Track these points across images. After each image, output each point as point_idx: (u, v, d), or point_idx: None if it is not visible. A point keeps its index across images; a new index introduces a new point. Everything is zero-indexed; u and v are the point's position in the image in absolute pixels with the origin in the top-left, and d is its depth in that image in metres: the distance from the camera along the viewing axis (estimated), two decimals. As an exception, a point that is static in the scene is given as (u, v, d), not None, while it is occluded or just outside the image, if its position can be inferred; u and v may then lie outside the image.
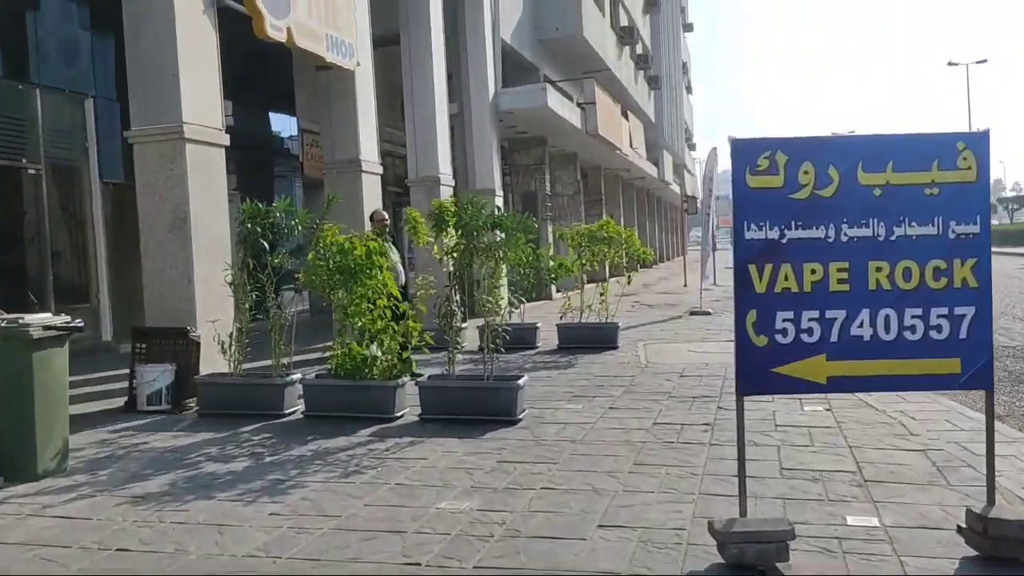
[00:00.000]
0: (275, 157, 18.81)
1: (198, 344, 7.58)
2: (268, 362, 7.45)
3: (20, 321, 5.20)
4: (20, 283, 11.35)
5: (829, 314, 3.65)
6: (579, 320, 11.44)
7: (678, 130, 48.20)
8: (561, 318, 11.51)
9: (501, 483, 4.97)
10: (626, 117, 27.26)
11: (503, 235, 7.37)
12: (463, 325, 7.64)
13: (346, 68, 10.73)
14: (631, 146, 28.13)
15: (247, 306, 7.33)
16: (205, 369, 7.56)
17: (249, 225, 7.30)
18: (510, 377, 6.97)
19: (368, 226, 10.92)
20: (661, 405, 7.23)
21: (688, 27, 58.57)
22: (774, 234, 3.64)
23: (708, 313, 15.79)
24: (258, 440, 6.28)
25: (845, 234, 3.64)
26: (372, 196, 11.38)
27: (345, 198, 10.95)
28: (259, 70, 16.17)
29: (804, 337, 3.64)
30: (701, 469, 5.18)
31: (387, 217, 9.27)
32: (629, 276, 11.65)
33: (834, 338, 3.65)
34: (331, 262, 6.95)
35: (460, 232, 7.15)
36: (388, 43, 14.05)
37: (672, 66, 46.00)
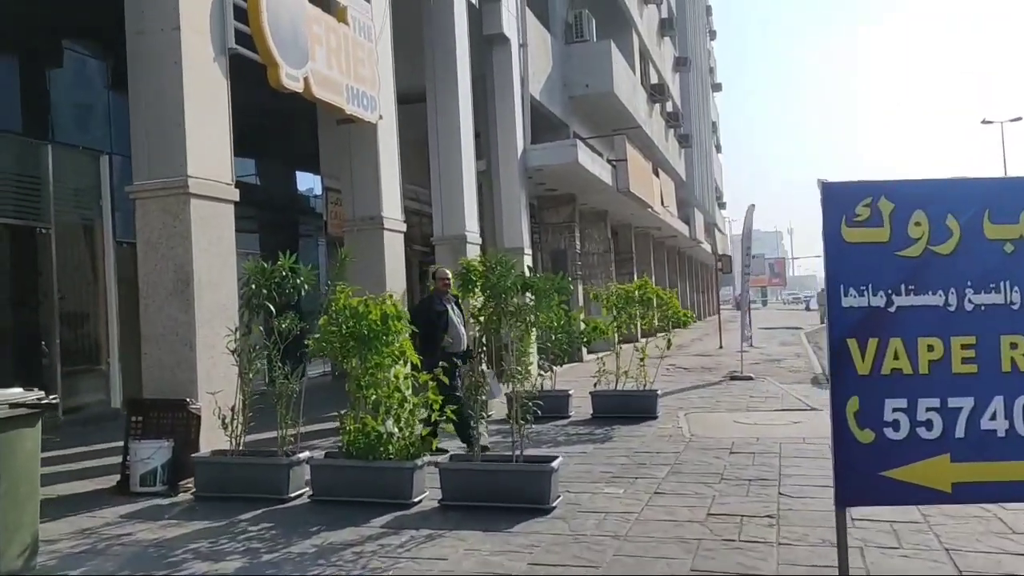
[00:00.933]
0: (300, 216, 18.41)
1: (198, 418, 6.89)
2: (277, 434, 6.73)
3: (-19, 399, 4.53)
4: (28, 346, 10.80)
5: (952, 403, 2.88)
6: (615, 387, 10.63)
7: (709, 188, 47.66)
8: (595, 385, 10.71)
9: (534, 595, 4.17)
10: (657, 175, 26.72)
11: (533, 297, 6.67)
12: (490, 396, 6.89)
13: (367, 121, 10.21)
14: (662, 204, 27.52)
15: (251, 376, 6.65)
16: (206, 445, 6.86)
17: (253, 286, 6.65)
18: (542, 458, 6.18)
19: (393, 284, 10.28)
20: (713, 490, 6.38)
21: (716, 87, 58.47)
22: (879, 300, 2.92)
23: (750, 378, 14.89)
24: (256, 532, 5.52)
25: (970, 301, 2.89)
26: (395, 254, 10.77)
27: (366, 256, 10.39)
28: (283, 128, 15.84)
29: (921, 432, 2.89)
30: (773, 578, 4.34)
31: (449, 276, 8.33)
32: (669, 340, 10.85)
33: (960, 433, 2.88)
34: (343, 327, 6.27)
35: (487, 294, 6.45)
36: (414, 100, 13.61)
37: (702, 124, 45.67)
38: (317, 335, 6.40)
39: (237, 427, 6.55)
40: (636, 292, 10.67)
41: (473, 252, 13.02)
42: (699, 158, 41.83)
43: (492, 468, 5.99)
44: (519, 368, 6.50)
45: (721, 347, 23.95)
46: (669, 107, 32.35)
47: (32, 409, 4.70)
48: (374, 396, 6.17)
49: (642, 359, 10.52)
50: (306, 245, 18.04)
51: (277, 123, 15.77)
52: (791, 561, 4.59)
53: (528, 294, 6.51)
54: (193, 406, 6.91)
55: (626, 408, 10.34)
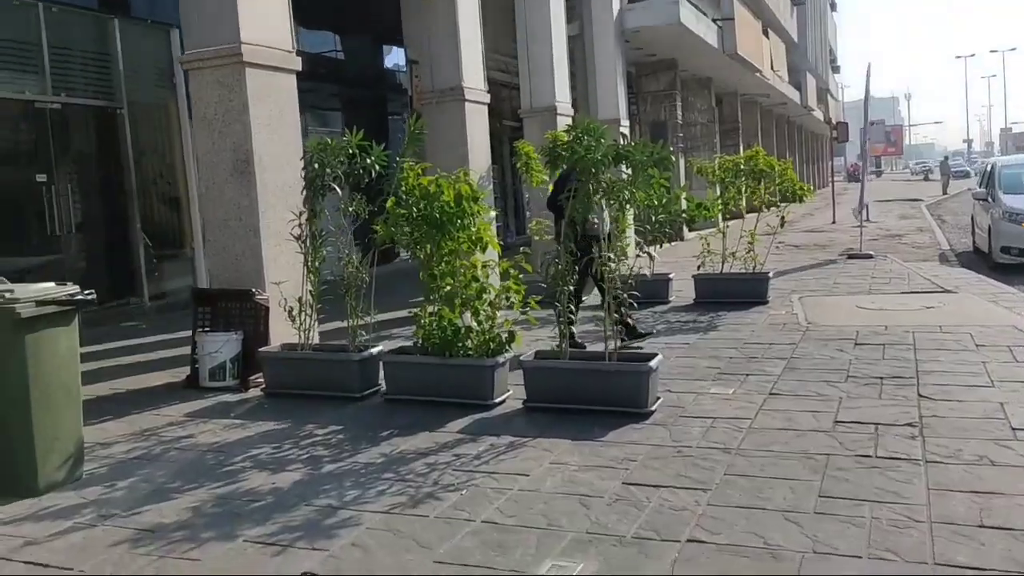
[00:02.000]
0: (388, 93, 17.57)
1: (266, 308, 6.40)
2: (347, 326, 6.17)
3: (5, 295, 4.05)
4: (108, 232, 10.60)
5: None
6: (720, 270, 9.71)
7: (822, 50, 44.28)
8: (698, 267, 9.80)
9: (628, 527, 3.49)
10: (766, 35, 24.62)
11: (630, 171, 5.77)
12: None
13: (444, -22, 9.21)
14: (772, 68, 25.49)
15: (317, 264, 6.06)
16: (276, 338, 6.39)
17: (316, 166, 5.98)
18: (639, 356, 5.43)
19: (477, 162, 9.48)
20: (839, 390, 5.53)
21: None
22: None
23: (869, 256, 13.66)
24: (322, 436, 5.02)
25: None
26: (478, 129, 9.92)
27: (447, 132, 9.59)
28: (367, 4, 14.88)
29: None
30: (924, 511, 3.53)
31: None
32: (783, 217, 9.77)
33: None
34: (413, 210, 5.56)
35: (575, 168, 5.59)
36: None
37: (816, -21, 42.02)
38: (385, 218, 5.71)
39: (305, 320, 6.03)
40: (746, 164, 9.56)
41: (564, 125, 12.02)
42: (812, 16, 38.61)
43: (581, 367, 5.29)
44: (611, 254, 5.66)
45: (834, 222, 22.41)
46: (781, -41, 29.59)
47: (64, 306, 4.19)
48: (448, 287, 5.49)
49: (751, 241, 9.52)
50: (394, 124, 17.31)
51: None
52: (945, 487, 3.77)
53: (623, 167, 5.61)
54: (260, 296, 6.42)
55: (732, 292, 9.45)
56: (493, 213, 7.97)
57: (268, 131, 6.58)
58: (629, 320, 6.72)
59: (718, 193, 9.69)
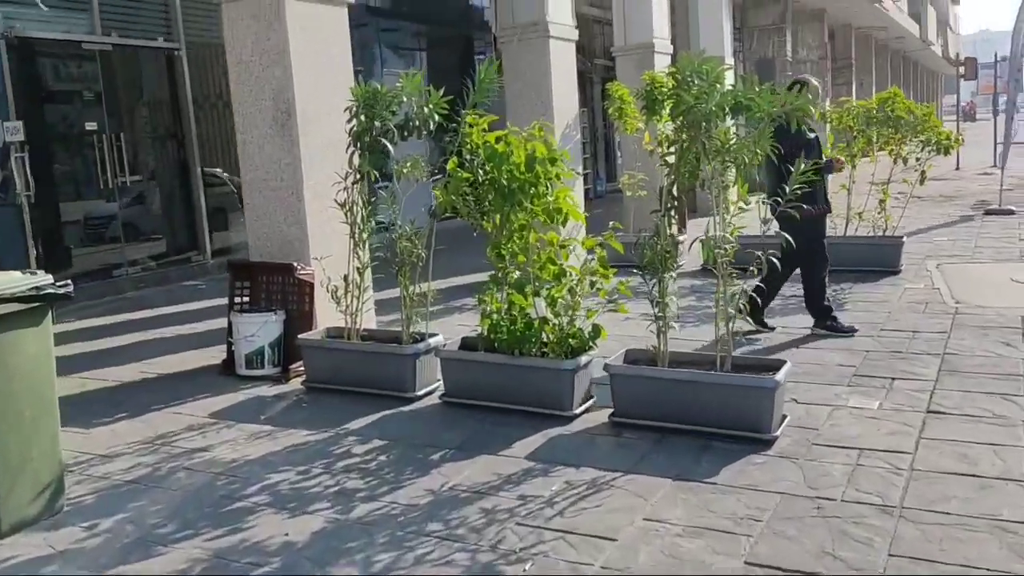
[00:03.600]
0: (474, 31, 16.37)
1: (311, 285, 5.48)
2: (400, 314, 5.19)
3: (-47, 292, 3.19)
4: (167, 183, 9.90)
5: None
6: (844, 233, 8.35)
7: (944, -22, 40.67)
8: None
9: (760, 653, 2.42)
10: (887, -39, 22.27)
11: (744, 125, 4.56)
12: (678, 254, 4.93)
13: None
14: (892, -2, 23.13)
15: (365, 236, 5.09)
16: (322, 321, 5.48)
17: (363, 118, 4.95)
18: (761, 364, 4.28)
19: (562, 108, 8.31)
20: (1021, 409, 4.28)
21: None
22: None
23: (1011, 212, 11.92)
24: (360, 457, 4.07)
25: None
26: (564, 71, 8.70)
27: (528, 74, 8.44)
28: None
29: None
30: None
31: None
32: (923, 173, 8.28)
33: None
34: (478, 174, 4.49)
35: (680, 121, 4.40)
36: None
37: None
38: (446, 183, 4.65)
39: (352, 302, 5.08)
40: (880, 109, 8.10)
41: (663, 64, 10.67)
42: (936, -59, 35.28)
43: (687, 377, 4.17)
44: (723, 231, 4.46)
45: (958, 168, 20.28)
46: None
47: (28, 303, 3.32)
48: (518, 271, 4.43)
49: (882, 200, 8.12)
50: (481, 65, 16.18)
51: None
52: None
53: (739, 119, 4.38)
54: (304, 271, 5.50)
55: (859, 259, 8.07)
56: (580, 174, 6.89)
57: (314, 75, 5.58)
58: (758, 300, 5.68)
59: (844, 144, 8.26)
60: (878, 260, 8.09)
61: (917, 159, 8.21)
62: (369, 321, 5.62)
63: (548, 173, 4.36)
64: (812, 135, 5.98)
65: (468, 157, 4.56)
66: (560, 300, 4.52)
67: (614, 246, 4.46)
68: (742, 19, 17.60)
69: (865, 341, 5.71)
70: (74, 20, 8.72)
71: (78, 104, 8.87)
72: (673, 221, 4.42)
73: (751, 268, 4.26)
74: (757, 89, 4.34)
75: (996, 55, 16.49)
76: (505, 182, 4.33)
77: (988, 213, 12.05)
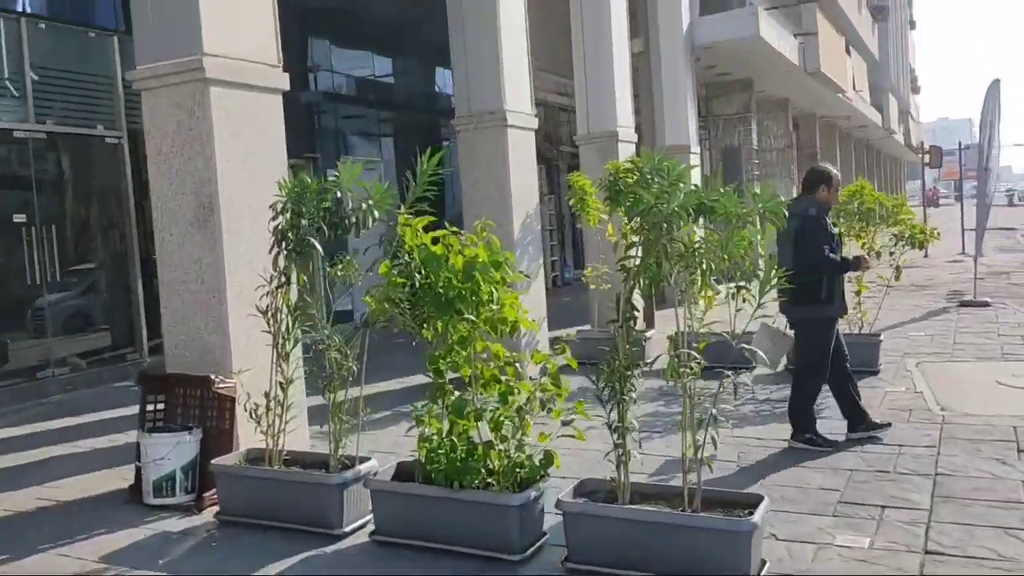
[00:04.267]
0: (441, 118, 16.16)
1: (232, 400, 4.88)
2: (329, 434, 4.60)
3: None
4: (103, 278, 9.31)
5: None
6: (818, 330, 7.90)
7: (903, 70, 41.81)
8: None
9: None
10: (848, 53, 22.65)
11: (710, 226, 4.11)
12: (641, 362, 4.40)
13: (482, -19, 7.70)
14: (854, 88, 23.45)
15: (288, 348, 4.53)
16: (246, 440, 4.87)
17: (290, 215, 4.45)
18: (734, 500, 3.72)
19: (521, 198, 7.91)
20: (1032, 549, 3.75)
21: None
22: None
23: (986, 304, 11.60)
24: (265, 620, 3.44)
25: None
26: (523, 160, 8.33)
27: (485, 163, 8.06)
28: (419, 23, 13.54)
29: None
30: None
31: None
32: (898, 268, 7.92)
33: None
34: (413, 279, 3.98)
35: (640, 220, 3.93)
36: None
37: (896, -5, 39.68)
38: (377, 288, 4.13)
39: (274, 421, 4.49)
40: (850, 201, 7.77)
41: (627, 152, 10.40)
42: (894, 34, 36.32)
43: (649, 518, 3.59)
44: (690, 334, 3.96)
45: (927, 255, 20.17)
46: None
47: None
48: (456, 395, 3.89)
49: (858, 292, 7.73)
50: (449, 153, 15.92)
51: (412, 18, 13.54)
52: None
53: (703, 221, 3.92)
54: (224, 384, 4.90)
55: (835, 359, 7.62)
56: (529, 278, 6.47)
57: (242, 168, 5.10)
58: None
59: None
60: (855, 360, 7.49)
61: (891, 253, 7.86)
62: (299, 440, 5.02)
63: (491, 279, 3.86)
64: (836, 229, 5.77)
65: (405, 259, 4.06)
66: (508, 422, 3.97)
67: (568, 361, 3.94)
68: (707, 108, 17.61)
69: (848, 458, 5.19)
70: (4, 107, 8.25)
71: (5, 194, 8.33)
72: (637, 319, 3.91)
73: (728, 378, 3.76)
74: (722, 190, 3.92)
75: (960, 143, 16.57)
76: (441, 290, 3.82)
77: (963, 304, 11.73)
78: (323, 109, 13.13)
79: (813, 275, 5.36)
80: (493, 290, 3.87)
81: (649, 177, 3.96)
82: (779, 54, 14.76)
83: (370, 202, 4.48)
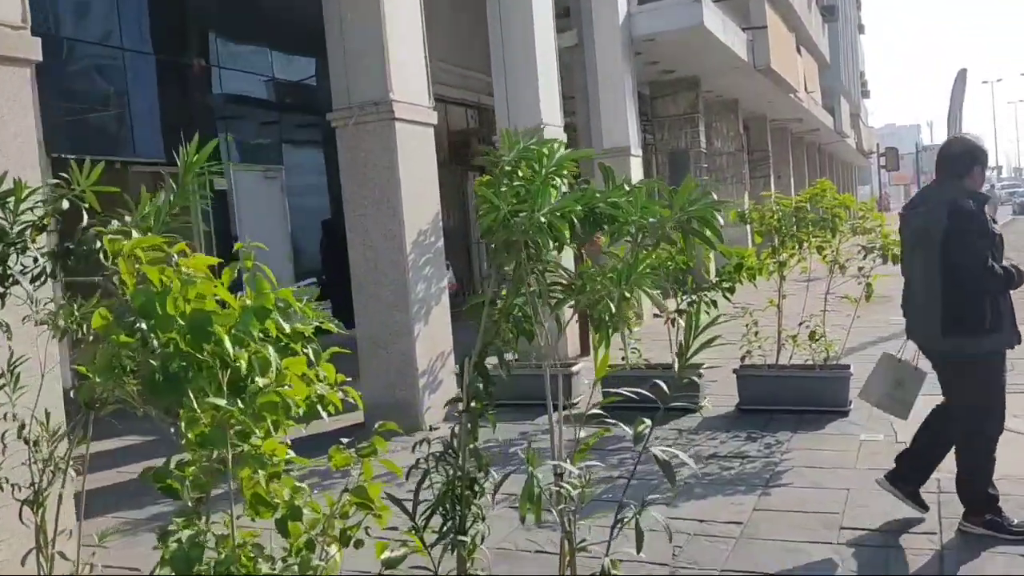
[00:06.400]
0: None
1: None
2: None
3: None
4: None
5: None
6: (775, 361, 6.58)
7: (854, 73, 41.25)
8: (743, 357, 6.67)
9: None
10: (799, 53, 21.62)
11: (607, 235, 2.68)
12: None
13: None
14: (806, 89, 22.43)
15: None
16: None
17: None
18: None
19: (414, 208, 6.44)
20: None
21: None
22: None
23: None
24: None
25: None
26: (419, 160, 6.86)
27: (368, 165, 6.60)
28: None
29: None
30: None
31: None
32: (869, 286, 6.61)
33: None
34: (130, 327, 2.47)
35: (493, 221, 2.49)
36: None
37: (845, -3, 39.07)
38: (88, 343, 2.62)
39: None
40: (809, 204, 6.44)
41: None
42: (844, 36, 35.64)
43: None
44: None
45: (886, 262, 19.10)
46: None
47: None
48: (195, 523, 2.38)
49: (820, 311, 6.40)
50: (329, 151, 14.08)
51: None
52: None
53: (599, 234, 2.51)
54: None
55: (798, 397, 6.30)
56: (444, 301, 5.13)
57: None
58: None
59: (770, 250, 6.56)
60: (820, 397, 6.29)
61: (860, 268, 6.55)
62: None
63: (250, 336, 2.36)
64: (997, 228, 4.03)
65: (121, 299, 2.55)
66: (294, 552, 2.48)
67: (368, 486, 2.45)
68: (652, 109, 16.34)
69: (821, 551, 3.78)
70: None
71: None
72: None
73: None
74: (627, 188, 2.50)
75: (918, 145, 15.55)
76: (181, 342, 2.31)
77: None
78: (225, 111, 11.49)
79: (971, 295, 3.86)
80: (254, 356, 2.37)
81: (510, 168, 2.53)
82: (726, 47, 13.51)
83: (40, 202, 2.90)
